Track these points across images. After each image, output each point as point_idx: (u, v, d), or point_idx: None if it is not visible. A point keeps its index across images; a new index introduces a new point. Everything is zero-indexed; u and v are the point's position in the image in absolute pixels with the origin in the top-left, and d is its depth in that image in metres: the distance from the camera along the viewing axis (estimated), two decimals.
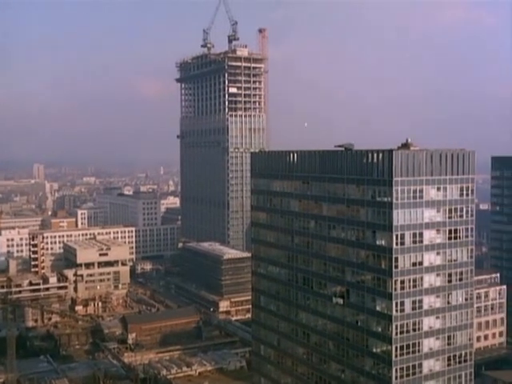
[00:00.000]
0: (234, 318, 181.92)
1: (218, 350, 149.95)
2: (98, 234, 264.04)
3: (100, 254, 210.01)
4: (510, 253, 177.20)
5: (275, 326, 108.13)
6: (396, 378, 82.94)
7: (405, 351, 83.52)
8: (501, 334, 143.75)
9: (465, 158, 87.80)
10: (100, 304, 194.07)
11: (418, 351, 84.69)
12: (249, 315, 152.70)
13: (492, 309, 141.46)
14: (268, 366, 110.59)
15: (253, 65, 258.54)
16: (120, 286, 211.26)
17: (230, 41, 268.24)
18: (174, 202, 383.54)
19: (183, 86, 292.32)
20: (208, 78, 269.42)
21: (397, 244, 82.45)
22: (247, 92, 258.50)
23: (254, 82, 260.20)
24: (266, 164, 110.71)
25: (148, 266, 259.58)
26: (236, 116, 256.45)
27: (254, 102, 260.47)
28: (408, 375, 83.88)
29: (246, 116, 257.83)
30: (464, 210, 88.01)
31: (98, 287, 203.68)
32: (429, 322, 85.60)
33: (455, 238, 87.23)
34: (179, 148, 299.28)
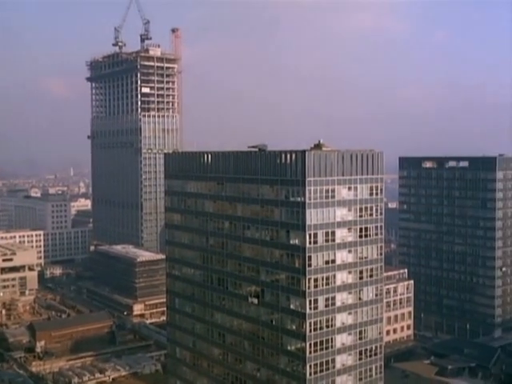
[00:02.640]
0: (148, 321, 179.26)
1: (133, 354, 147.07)
2: (2, 238, 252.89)
3: (3, 260, 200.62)
4: (416, 249, 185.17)
5: (191, 328, 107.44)
6: (310, 374, 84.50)
7: (318, 347, 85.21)
8: (408, 327, 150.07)
9: (374, 158, 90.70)
10: (4, 312, 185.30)
11: (332, 347, 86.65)
12: (164, 318, 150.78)
13: (400, 303, 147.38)
14: (184, 368, 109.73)
15: (166, 65, 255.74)
16: (27, 292, 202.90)
17: (142, 40, 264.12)
18: (85, 204, 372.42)
19: (94, 85, 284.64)
20: (120, 78, 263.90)
21: (310, 243, 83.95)
22: (160, 92, 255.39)
23: (167, 82, 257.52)
24: (180, 165, 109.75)
25: (58, 271, 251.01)
26: (149, 116, 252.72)
27: (168, 103, 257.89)
28: (322, 371, 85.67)
29: (159, 116, 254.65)
30: (374, 208, 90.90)
31: (1, 294, 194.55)
32: (341, 318, 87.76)
33: (366, 236, 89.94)
34: (90, 149, 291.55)
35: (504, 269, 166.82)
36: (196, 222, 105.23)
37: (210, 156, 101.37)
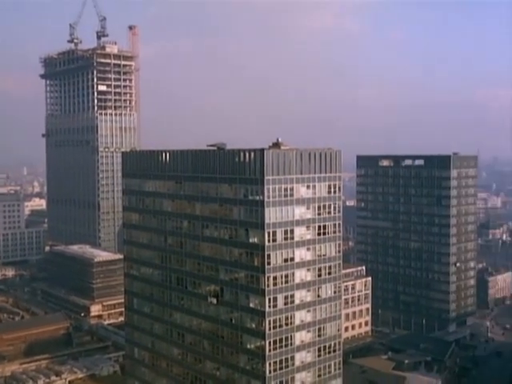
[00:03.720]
0: (106, 322, 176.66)
1: (90, 355, 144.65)
2: None
3: None
4: (374, 246, 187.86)
5: (149, 328, 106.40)
6: (270, 371, 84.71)
7: (278, 345, 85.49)
8: (366, 323, 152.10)
9: (332, 157, 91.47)
10: None
11: (291, 344, 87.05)
12: (122, 318, 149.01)
13: (358, 300, 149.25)
14: (142, 369, 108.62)
15: (123, 62, 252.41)
16: None
17: (98, 37, 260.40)
18: (39, 203, 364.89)
19: (48, 82, 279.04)
20: (75, 75, 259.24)
21: (269, 241, 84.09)
22: (117, 90, 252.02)
23: (125, 79, 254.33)
24: (138, 164, 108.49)
25: (10, 272, 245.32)
26: (106, 114, 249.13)
27: (125, 101, 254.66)
28: (281, 368, 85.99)
29: (116, 114, 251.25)
30: (332, 206, 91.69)
31: None
32: (300, 316, 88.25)
33: (324, 233, 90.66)
34: (45, 147, 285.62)
35: (458, 264, 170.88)
36: (154, 221, 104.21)
37: (168, 155, 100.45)
